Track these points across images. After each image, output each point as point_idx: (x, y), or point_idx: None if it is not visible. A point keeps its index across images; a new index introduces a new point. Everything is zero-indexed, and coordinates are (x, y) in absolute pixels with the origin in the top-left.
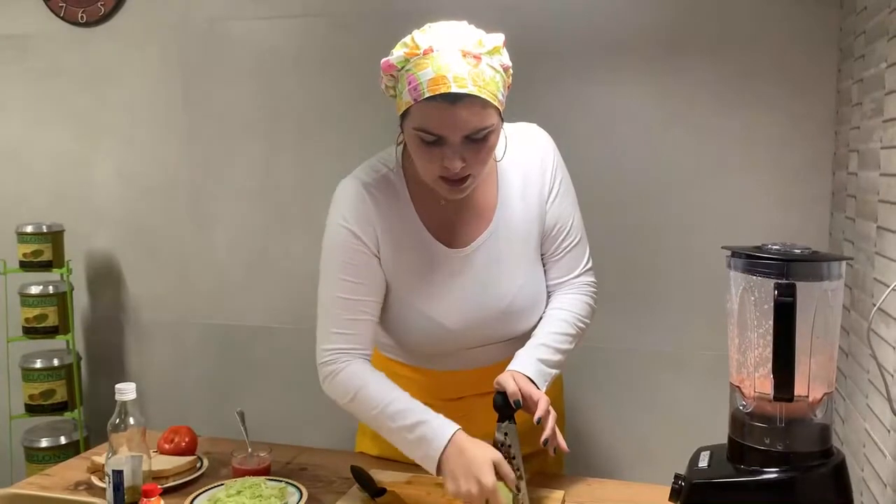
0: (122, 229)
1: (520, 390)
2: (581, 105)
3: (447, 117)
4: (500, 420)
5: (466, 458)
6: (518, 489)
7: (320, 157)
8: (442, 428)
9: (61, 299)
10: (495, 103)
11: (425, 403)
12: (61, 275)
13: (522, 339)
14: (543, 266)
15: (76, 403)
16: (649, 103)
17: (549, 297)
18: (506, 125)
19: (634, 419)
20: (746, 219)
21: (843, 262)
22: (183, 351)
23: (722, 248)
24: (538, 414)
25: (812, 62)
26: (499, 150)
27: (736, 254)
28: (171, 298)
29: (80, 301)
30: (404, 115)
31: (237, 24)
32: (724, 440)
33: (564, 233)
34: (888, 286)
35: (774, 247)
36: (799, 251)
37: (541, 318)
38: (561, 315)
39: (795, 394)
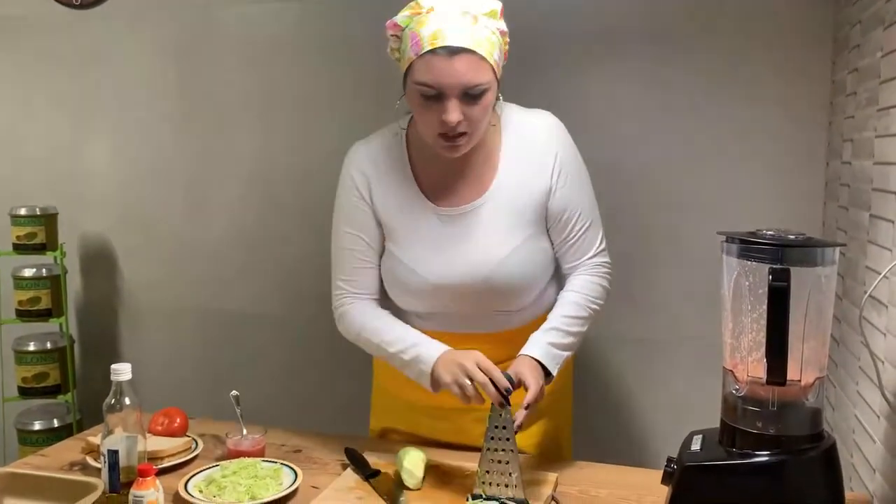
0: (116, 214)
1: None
2: (574, 95)
3: (445, 69)
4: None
5: (453, 356)
6: (511, 472)
7: (316, 143)
8: (434, 347)
9: (55, 282)
10: (490, 62)
11: None
12: (55, 258)
13: (511, 316)
14: (558, 251)
15: (69, 386)
16: (642, 93)
17: (565, 279)
18: (519, 109)
19: (626, 404)
20: (739, 208)
21: (837, 249)
22: (177, 336)
23: (717, 233)
24: (527, 401)
25: (807, 53)
26: (505, 122)
27: (730, 239)
28: (165, 283)
29: (74, 285)
30: (407, 73)
31: (232, 8)
32: (716, 425)
33: (574, 218)
34: (879, 273)
35: (769, 232)
36: (793, 237)
37: (536, 303)
38: (572, 298)
39: (788, 378)
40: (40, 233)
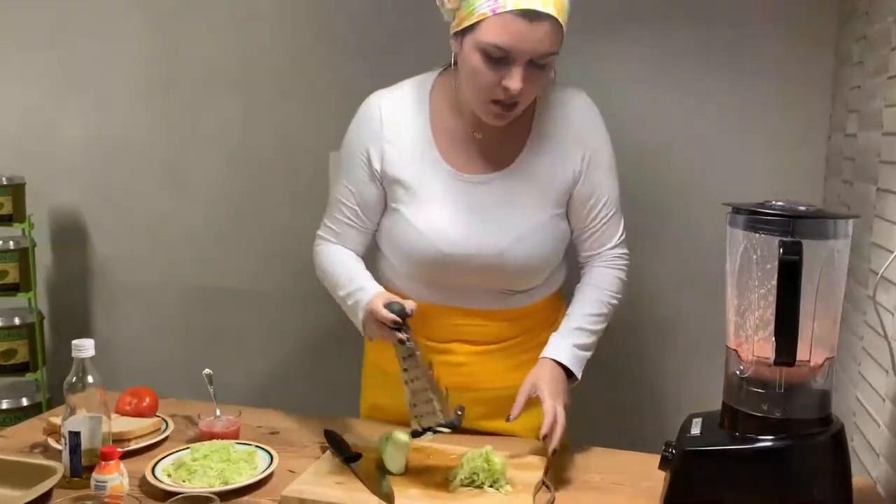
0: (90, 187)
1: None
2: (570, 74)
3: (525, 33)
4: (397, 328)
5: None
6: (431, 398)
7: (300, 114)
8: (369, 295)
9: (23, 255)
10: (565, 30)
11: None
12: (23, 230)
13: (519, 296)
14: (577, 238)
15: (38, 364)
16: (640, 66)
17: (582, 269)
18: (553, 84)
19: (617, 385)
20: (735, 184)
21: (850, 221)
22: (153, 313)
23: (722, 204)
24: (543, 430)
25: (810, 23)
26: (539, 95)
27: (738, 210)
28: (140, 258)
29: (44, 259)
30: (467, 30)
31: None
32: (714, 407)
33: (601, 205)
34: (887, 249)
35: (778, 203)
36: (803, 208)
37: (542, 286)
38: (594, 294)
39: (797, 358)
40: (7, 203)
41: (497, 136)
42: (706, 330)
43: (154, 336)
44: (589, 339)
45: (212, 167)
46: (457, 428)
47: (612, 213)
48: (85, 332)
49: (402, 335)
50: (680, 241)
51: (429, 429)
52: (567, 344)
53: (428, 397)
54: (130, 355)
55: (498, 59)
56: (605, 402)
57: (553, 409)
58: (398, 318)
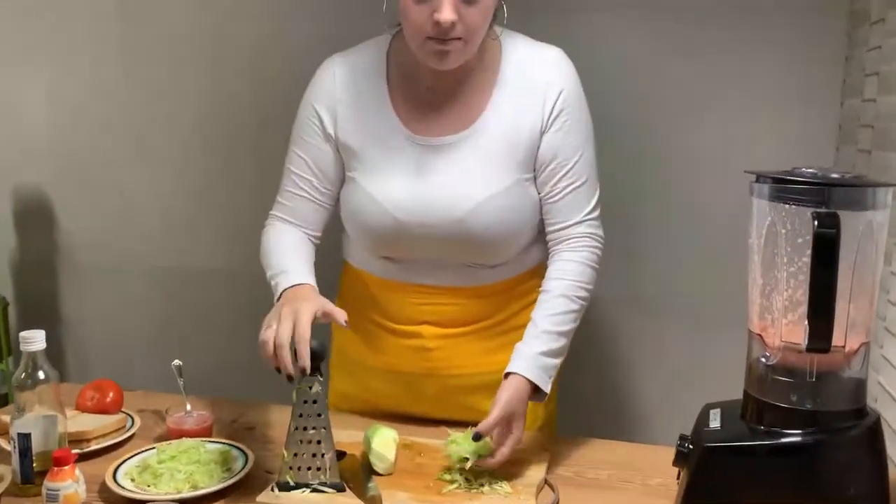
0: (53, 161)
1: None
2: (561, 39)
3: None
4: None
5: (290, 297)
6: (324, 453)
7: (272, 83)
8: (290, 279)
9: None
10: None
11: (382, 331)
12: None
13: (487, 272)
14: (543, 210)
15: (3, 354)
16: (635, 23)
17: (549, 249)
18: (526, 41)
19: (618, 370)
20: (738, 153)
21: (890, 190)
22: (124, 296)
23: (745, 172)
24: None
25: None
26: (508, 52)
27: (762, 178)
28: (110, 238)
29: (7, 241)
30: None
31: None
32: (725, 394)
33: (563, 172)
34: None
35: (809, 170)
36: (837, 175)
37: (515, 262)
38: (559, 289)
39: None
40: None
41: (458, 95)
42: (712, 310)
43: (124, 319)
44: (557, 343)
45: (181, 140)
46: (342, 490)
47: (579, 182)
48: (54, 318)
49: (306, 376)
50: (680, 216)
51: (305, 484)
52: (532, 353)
53: (317, 450)
54: (101, 339)
55: None
56: (608, 390)
57: (517, 439)
58: (306, 368)
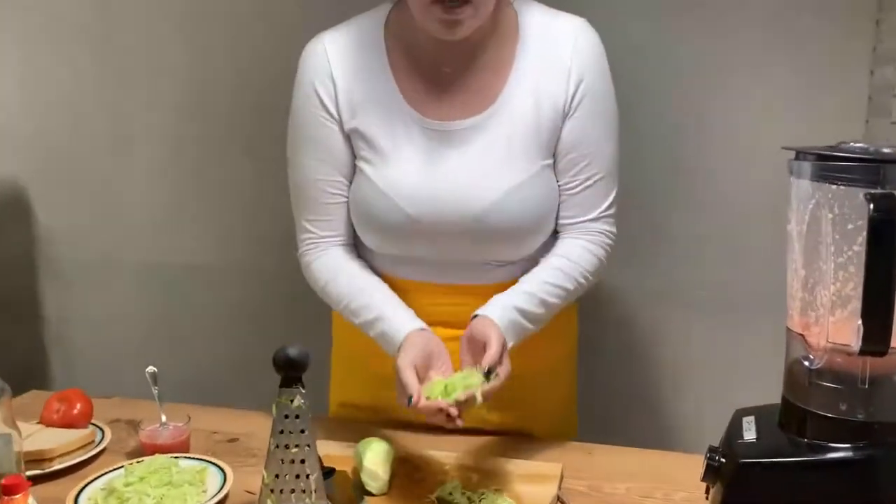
0: (28, 152)
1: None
2: (601, 5)
3: None
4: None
5: (415, 348)
6: (308, 474)
7: (262, 63)
8: (398, 329)
9: None
10: None
11: None
12: None
13: (506, 268)
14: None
15: None
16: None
17: (557, 238)
18: (545, 10)
19: (641, 372)
20: (755, 128)
21: None
22: (107, 293)
23: (783, 148)
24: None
25: None
26: (525, 24)
27: (804, 155)
28: (90, 232)
29: None
30: None
31: None
32: (758, 398)
33: (585, 161)
34: None
35: (857, 145)
36: (889, 150)
37: (534, 255)
38: (560, 263)
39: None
40: None
41: (475, 71)
42: (744, 304)
43: (107, 317)
44: (537, 310)
45: (164, 125)
46: None
47: (598, 176)
48: (34, 317)
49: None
50: (700, 199)
51: None
52: (509, 304)
53: (301, 470)
54: (84, 338)
55: None
56: (627, 392)
57: (500, 347)
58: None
